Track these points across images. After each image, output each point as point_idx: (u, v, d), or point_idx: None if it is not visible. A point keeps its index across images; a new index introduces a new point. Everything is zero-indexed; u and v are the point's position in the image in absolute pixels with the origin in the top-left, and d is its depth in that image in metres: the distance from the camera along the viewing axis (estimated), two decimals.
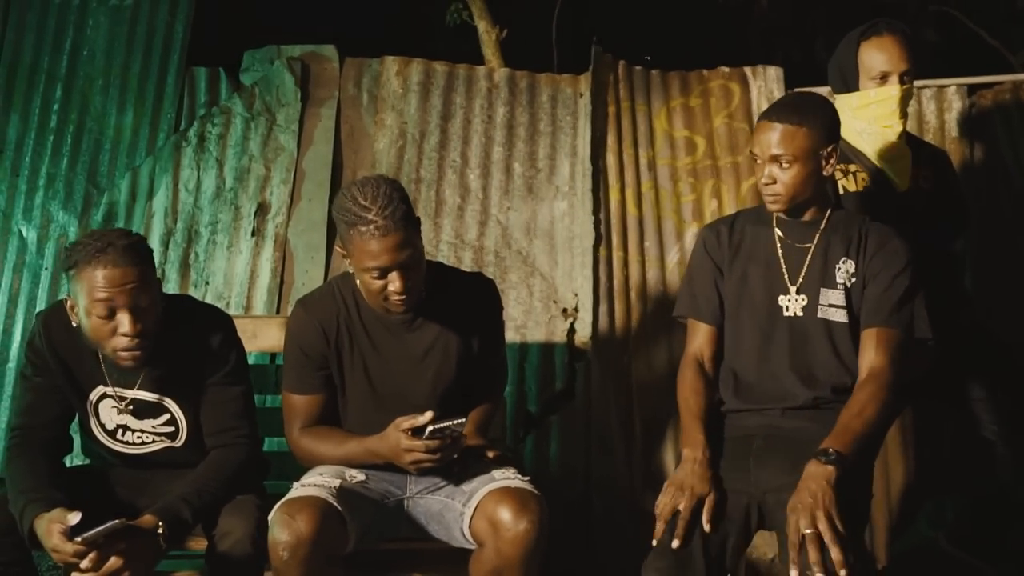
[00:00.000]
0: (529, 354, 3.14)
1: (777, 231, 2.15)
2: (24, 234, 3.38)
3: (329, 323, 2.09)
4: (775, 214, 2.14)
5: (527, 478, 2.03)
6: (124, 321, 1.90)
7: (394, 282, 1.96)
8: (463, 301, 2.14)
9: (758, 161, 2.07)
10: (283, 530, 1.85)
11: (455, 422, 1.91)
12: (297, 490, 1.98)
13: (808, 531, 1.76)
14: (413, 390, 2.11)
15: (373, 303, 2.04)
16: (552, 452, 3.06)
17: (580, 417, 3.05)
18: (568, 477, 3.02)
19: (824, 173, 2.09)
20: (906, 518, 2.83)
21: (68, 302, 1.96)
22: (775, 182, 2.05)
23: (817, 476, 1.83)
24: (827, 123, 2.08)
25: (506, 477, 2.02)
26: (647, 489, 2.95)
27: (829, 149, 2.07)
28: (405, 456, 1.95)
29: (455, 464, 2.05)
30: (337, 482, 2.00)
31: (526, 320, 3.16)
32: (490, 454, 2.12)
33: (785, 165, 2.04)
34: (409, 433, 1.94)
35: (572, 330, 3.13)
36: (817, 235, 2.11)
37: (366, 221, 1.91)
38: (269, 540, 1.88)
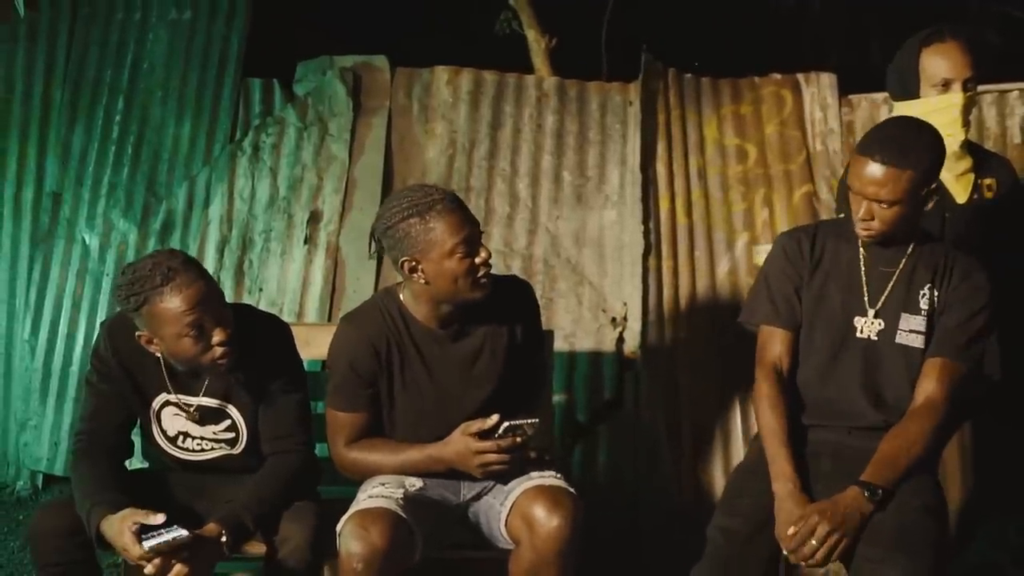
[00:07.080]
0: (578, 363, 3.14)
1: (862, 251, 2.08)
2: (87, 241, 3.48)
3: (379, 339, 2.07)
4: None
5: (561, 477, 2.05)
6: (217, 332, 1.97)
7: (482, 253, 2.00)
8: (502, 304, 2.13)
9: (854, 194, 1.97)
10: (357, 542, 1.86)
11: (528, 421, 1.94)
12: (366, 501, 1.97)
13: (815, 543, 1.81)
14: (468, 396, 2.10)
15: (461, 288, 2.00)
16: (601, 461, 3.05)
17: (629, 426, 3.04)
18: (616, 486, 3.01)
19: (924, 208, 2.00)
20: (965, 538, 2.75)
21: (143, 337, 1.99)
22: (873, 218, 1.97)
23: (857, 504, 1.86)
24: (934, 162, 1.96)
25: (542, 476, 2.04)
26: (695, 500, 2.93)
27: (932, 187, 1.97)
28: (475, 459, 1.96)
29: (516, 469, 2.05)
30: (401, 492, 2.01)
31: (575, 329, 3.16)
32: (531, 455, 2.11)
33: (885, 207, 1.94)
34: (477, 437, 1.95)
35: (621, 339, 3.12)
36: (903, 260, 2.05)
37: (436, 200, 1.98)
38: (342, 552, 1.88)
